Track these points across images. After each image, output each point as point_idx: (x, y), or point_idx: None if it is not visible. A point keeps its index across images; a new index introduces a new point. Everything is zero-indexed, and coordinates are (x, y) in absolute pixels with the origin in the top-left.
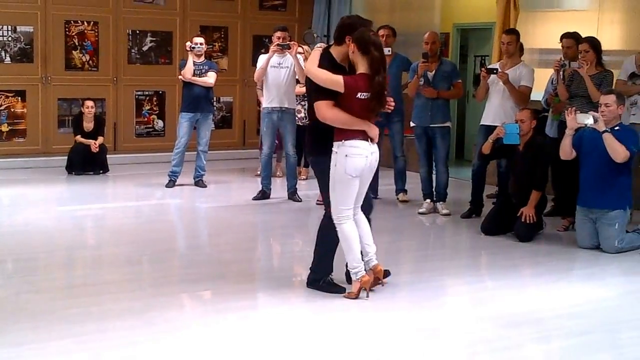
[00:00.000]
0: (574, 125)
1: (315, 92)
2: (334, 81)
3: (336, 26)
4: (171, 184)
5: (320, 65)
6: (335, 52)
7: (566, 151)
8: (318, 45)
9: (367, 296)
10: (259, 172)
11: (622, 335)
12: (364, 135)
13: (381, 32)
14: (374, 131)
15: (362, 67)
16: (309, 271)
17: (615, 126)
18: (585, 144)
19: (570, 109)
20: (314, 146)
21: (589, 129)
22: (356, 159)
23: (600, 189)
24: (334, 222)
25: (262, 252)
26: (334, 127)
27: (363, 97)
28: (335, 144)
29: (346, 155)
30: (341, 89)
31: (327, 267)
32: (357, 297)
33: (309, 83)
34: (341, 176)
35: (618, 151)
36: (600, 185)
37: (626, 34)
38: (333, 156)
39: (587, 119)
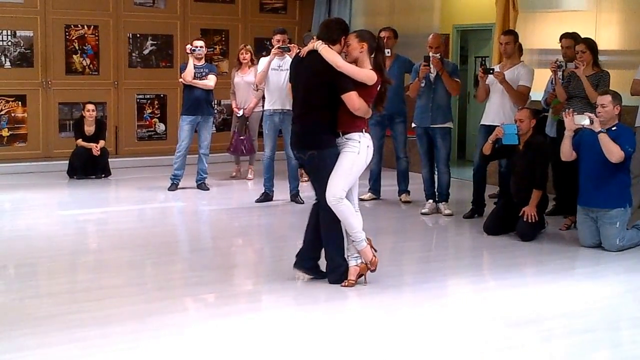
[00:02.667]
0: (571, 126)
1: (343, 83)
2: (369, 75)
3: (328, 27)
4: (173, 187)
5: None
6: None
7: (566, 153)
8: (313, 39)
9: (365, 282)
10: (234, 174)
11: (625, 333)
12: None
13: (383, 34)
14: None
15: (367, 65)
16: (329, 272)
17: (613, 126)
18: (583, 143)
19: (567, 111)
20: (316, 140)
21: (587, 129)
22: (371, 150)
23: (599, 188)
24: (333, 202)
25: (266, 255)
26: (330, 118)
27: (377, 90)
28: (355, 134)
29: (368, 146)
30: (372, 82)
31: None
32: (355, 283)
33: (323, 77)
34: (360, 164)
35: (613, 152)
36: (599, 184)
37: (624, 34)
38: (353, 144)
39: (584, 120)
